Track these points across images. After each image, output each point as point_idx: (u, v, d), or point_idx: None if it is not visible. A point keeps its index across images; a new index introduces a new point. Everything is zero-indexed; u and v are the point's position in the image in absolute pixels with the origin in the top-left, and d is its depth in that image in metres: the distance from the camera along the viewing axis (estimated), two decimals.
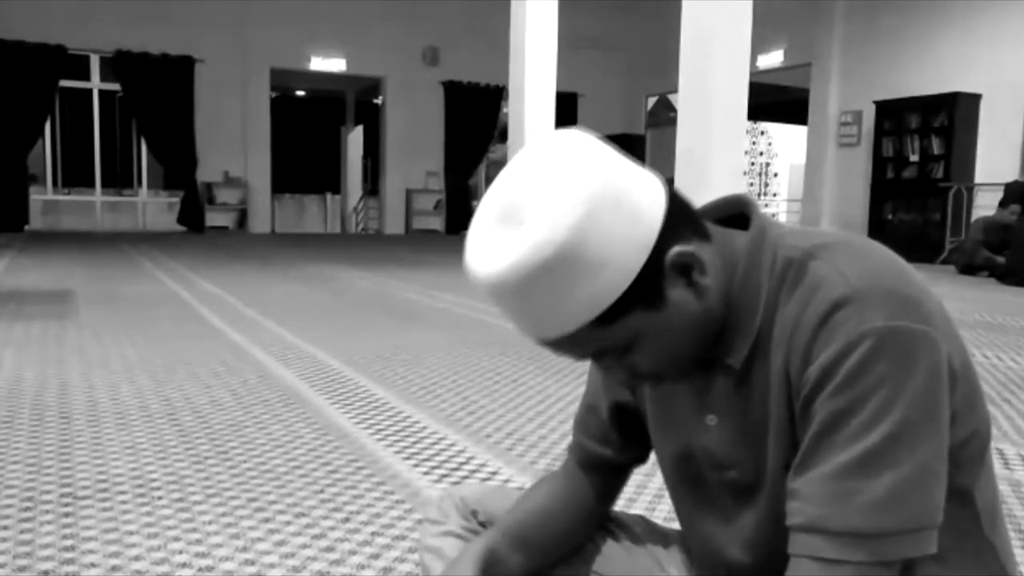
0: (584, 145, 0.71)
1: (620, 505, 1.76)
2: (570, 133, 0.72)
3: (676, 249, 0.72)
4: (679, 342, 0.75)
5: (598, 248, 0.68)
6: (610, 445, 0.96)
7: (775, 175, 23.62)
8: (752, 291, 0.77)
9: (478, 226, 0.73)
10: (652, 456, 0.97)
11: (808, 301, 0.72)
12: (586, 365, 1.00)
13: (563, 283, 0.68)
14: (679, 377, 0.81)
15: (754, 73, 8.59)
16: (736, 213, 0.82)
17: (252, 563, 1.48)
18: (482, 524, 0.98)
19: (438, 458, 2.15)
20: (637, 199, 0.70)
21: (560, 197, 0.68)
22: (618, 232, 0.68)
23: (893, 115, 10.88)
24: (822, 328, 0.70)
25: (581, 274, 0.68)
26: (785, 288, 0.75)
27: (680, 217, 0.74)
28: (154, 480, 1.91)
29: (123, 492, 1.83)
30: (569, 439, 1.02)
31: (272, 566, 1.48)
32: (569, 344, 0.73)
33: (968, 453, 0.74)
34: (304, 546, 1.56)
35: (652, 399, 0.90)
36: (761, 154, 23.44)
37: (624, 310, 0.71)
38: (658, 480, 1.96)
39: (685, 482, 0.89)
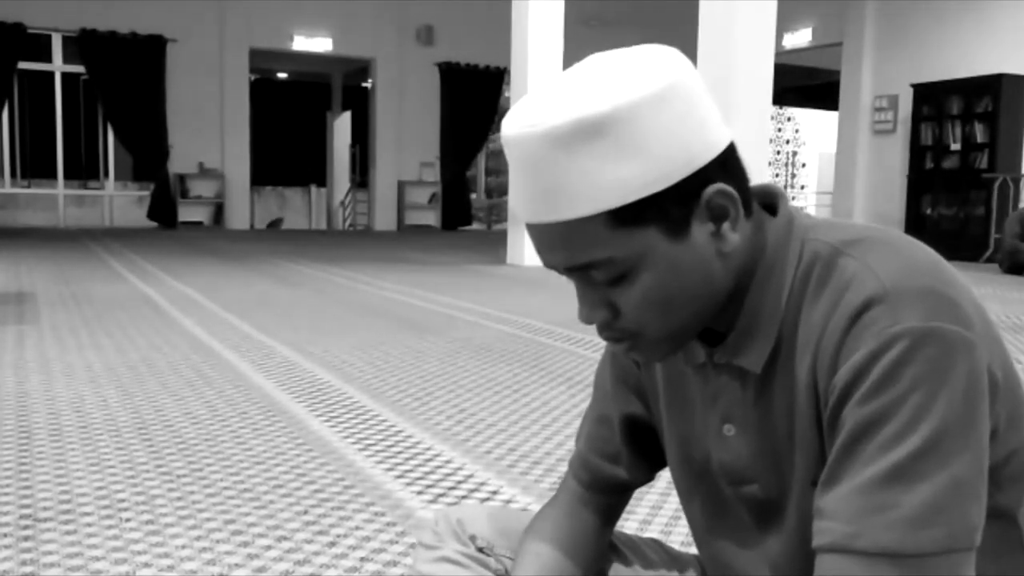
0: (670, 51, 0.74)
1: (633, 527, 1.76)
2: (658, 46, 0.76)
3: (720, 186, 0.73)
4: (676, 292, 0.74)
5: (648, 132, 0.70)
6: (620, 463, 0.96)
7: (803, 165, 23.63)
8: (774, 288, 0.77)
9: (531, 93, 0.75)
10: (667, 475, 0.97)
11: (837, 301, 0.72)
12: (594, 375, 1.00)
13: (599, 152, 0.69)
14: (656, 349, 0.79)
15: (779, 53, 8.59)
16: (763, 204, 0.82)
17: None
18: (481, 549, 0.98)
19: (433, 476, 2.15)
20: (706, 116, 0.73)
21: (629, 73, 0.71)
22: (675, 130, 0.71)
23: (932, 99, 10.88)
24: (851, 329, 0.70)
25: (620, 150, 0.69)
26: (811, 287, 0.75)
27: (735, 170, 0.75)
28: (122, 500, 1.91)
29: (88, 513, 1.83)
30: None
31: None
32: (569, 237, 0.72)
33: (1009, 473, 0.74)
34: (286, 573, 1.56)
35: (666, 407, 0.90)
36: (788, 142, 23.45)
37: (643, 218, 0.71)
38: (673, 502, 1.96)
39: (699, 499, 0.89)
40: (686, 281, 0.74)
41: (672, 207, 0.72)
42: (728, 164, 0.74)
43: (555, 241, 0.73)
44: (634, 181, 0.70)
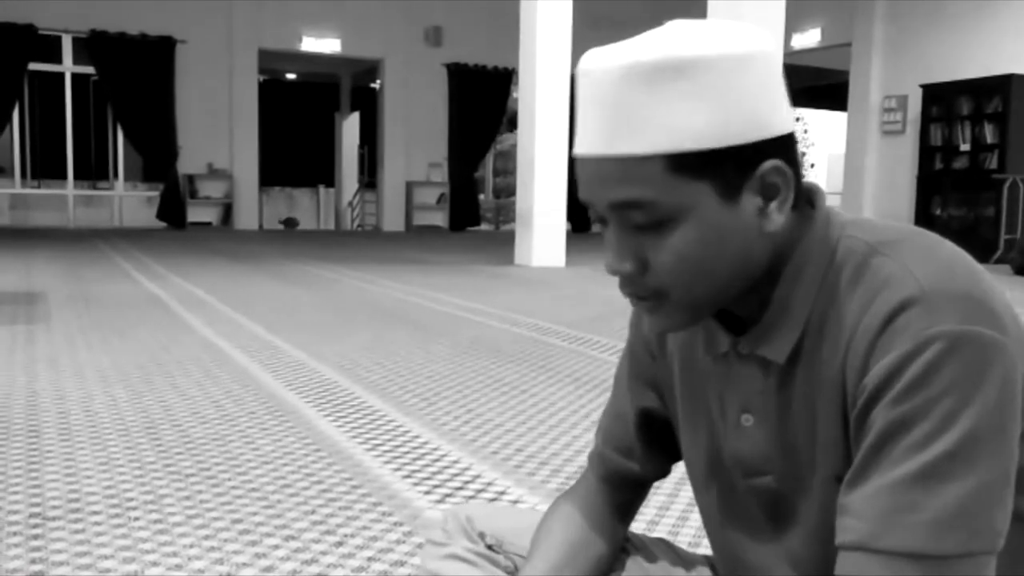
0: (763, 31, 0.75)
1: (641, 528, 1.76)
2: None
3: (778, 163, 0.73)
4: (710, 256, 0.74)
5: (727, 87, 0.70)
6: (634, 457, 0.96)
7: (812, 166, 23.61)
8: (806, 281, 0.77)
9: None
10: (674, 476, 0.97)
11: (871, 301, 0.71)
12: (606, 375, 1.00)
13: (675, 93, 0.70)
14: (675, 315, 0.78)
15: (788, 54, 8.58)
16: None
17: None
18: (489, 547, 0.98)
19: (440, 476, 2.15)
20: (780, 96, 0.74)
21: (721, 31, 0.72)
22: (752, 93, 0.71)
23: (942, 100, 10.85)
24: (885, 330, 0.69)
25: (696, 96, 0.70)
26: (843, 283, 0.75)
27: (793, 157, 0.76)
28: (130, 499, 1.92)
29: (97, 512, 1.83)
30: (586, 452, 1.02)
31: None
32: (622, 173, 0.72)
33: None
34: (294, 572, 1.56)
35: (682, 397, 0.90)
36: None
37: (700, 170, 0.71)
38: (682, 502, 1.96)
39: (714, 491, 0.89)
40: (723, 248, 0.74)
41: (729, 169, 0.72)
42: (788, 149, 0.75)
43: (607, 175, 0.73)
44: (702, 130, 0.70)
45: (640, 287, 0.77)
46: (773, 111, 0.73)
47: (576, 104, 0.76)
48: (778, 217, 0.74)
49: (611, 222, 0.76)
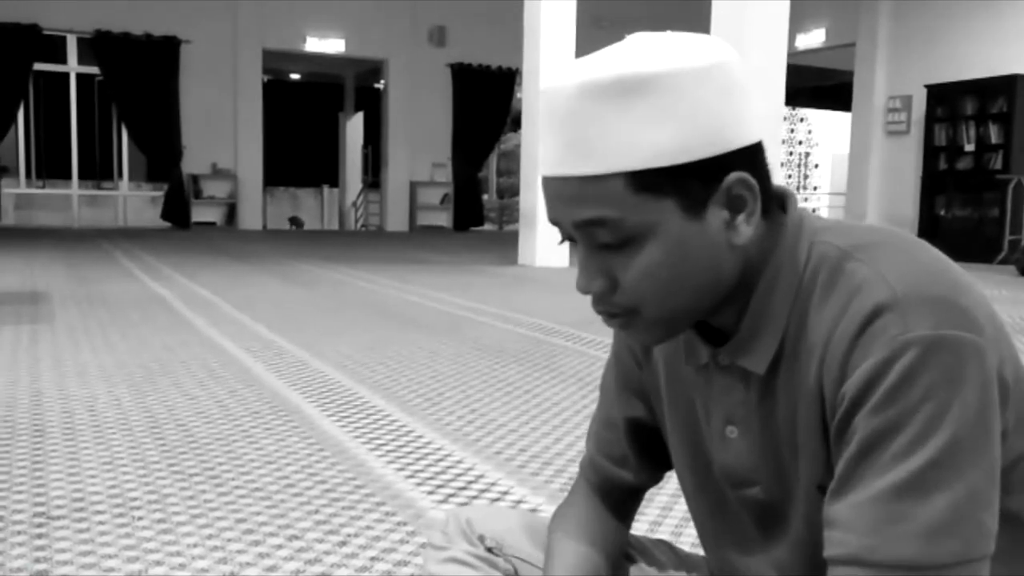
0: (721, 41, 0.74)
1: (643, 529, 1.76)
2: None
3: (743, 175, 0.72)
4: (679, 272, 0.73)
5: (686, 102, 0.70)
6: (627, 466, 0.96)
7: (816, 166, 23.57)
8: (781, 290, 0.76)
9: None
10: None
11: (845, 307, 0.71)
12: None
13: (634, 112, 0.69)
14: (650, 330, 0.78)
15: (792, 54, 8.56)
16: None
17: None
18: (489, 550, 0.98)
19: (443, 476, 2.15)
20: (743, 107, 0.73)
21: (678, 45, 0.71)
22: (712, 108, 0.71)
23: (946, 100, 10.83)
24: (861, 337, 0.69)
25: (655, 113, 0.69)
26: (818, 290, 0.74)
27: (760, 167, 0.75)
28: (134, 498, 1.92)
29: (100, 511, 1.84)
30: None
31: None
32: (585, 192, 0.72)
33: (1019, 477, 0.73)
34: (297, 572, 1.56)
35: (669, 409, 0.90)
36: (800, 143, 23.39)
37: (662, 187, 0.71)
38: (684, 503, 1.95)
39: (704, 501, 0.89)
40: (691, 263, 0.73)
41: (693, 184, 0.71)
42: (755, 159, 0.74)
43: (570, 195, 0.73)
44: (662, 147, 0.70)
45: (611, 305, 0.77)
46: (736, 123, 0.72)
47: (541, 123, 0.76)
48: (746, 229, 0.74)
49: (578, 241, 0.76)
